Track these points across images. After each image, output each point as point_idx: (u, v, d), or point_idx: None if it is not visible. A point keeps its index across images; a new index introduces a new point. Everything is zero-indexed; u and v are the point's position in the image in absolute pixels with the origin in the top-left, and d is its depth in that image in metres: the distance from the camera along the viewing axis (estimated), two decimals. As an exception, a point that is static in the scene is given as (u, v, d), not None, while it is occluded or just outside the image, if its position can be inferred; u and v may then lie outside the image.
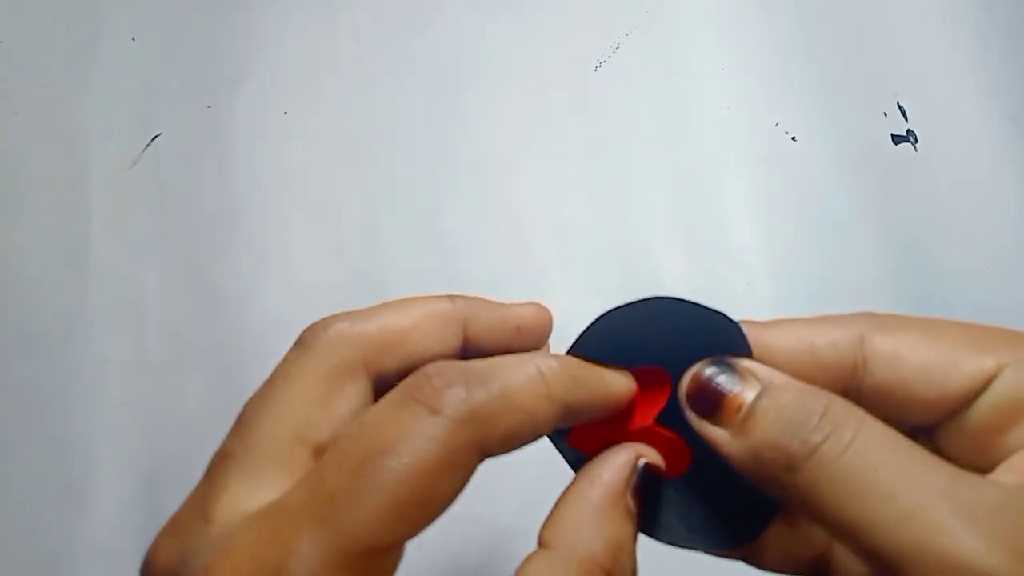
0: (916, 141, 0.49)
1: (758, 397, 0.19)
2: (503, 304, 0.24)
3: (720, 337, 0.22)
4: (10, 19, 0.51)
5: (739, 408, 0.19)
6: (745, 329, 0.22)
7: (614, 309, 0.23)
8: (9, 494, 0.43)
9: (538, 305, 0.25)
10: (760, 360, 0.21)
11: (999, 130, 0.48)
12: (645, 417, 0.22)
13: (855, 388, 0.21)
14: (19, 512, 0.43)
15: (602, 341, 0.23)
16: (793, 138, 0.49)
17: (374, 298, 0.46)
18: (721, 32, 0.51)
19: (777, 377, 0.20)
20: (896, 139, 0.49)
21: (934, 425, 0.21)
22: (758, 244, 0.47)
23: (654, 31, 0.51)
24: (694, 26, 0.51)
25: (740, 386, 0.20)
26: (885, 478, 0.17)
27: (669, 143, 0.49)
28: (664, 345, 0.22)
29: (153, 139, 0.49)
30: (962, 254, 0.47)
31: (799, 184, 0.48)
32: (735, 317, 0.23)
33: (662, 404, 0.22)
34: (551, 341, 0.26)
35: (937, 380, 0.20)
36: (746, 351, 0.21)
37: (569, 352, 0.23)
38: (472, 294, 0.24)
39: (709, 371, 0.20)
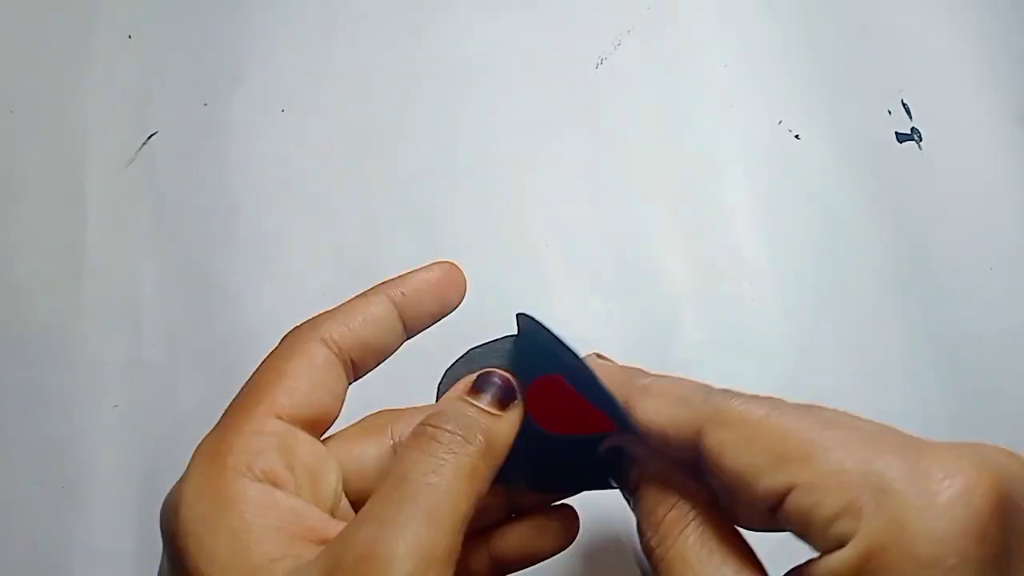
0: (920, 139, 0.48)
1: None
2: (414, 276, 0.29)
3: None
4: (5, 16, 0.51)
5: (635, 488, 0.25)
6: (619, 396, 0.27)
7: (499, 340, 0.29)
8: (5, 495, 0.43)
9: (444, 264, 0.30)
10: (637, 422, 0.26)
11: (1004, 128, 0.48)
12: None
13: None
14: (15, 513, 0.43)
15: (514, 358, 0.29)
16: (797, 136, 0.49)
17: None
18: (724, 29, 0.50)
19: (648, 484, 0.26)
20: (900, 137, 0.49)
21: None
22: (760, 243, 0.47)
23: (656, 28, 0.50)
24: (696, 23, 0.50)
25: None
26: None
27: (671, 141, 0.49)
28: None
29: (149, 137, 0.49)
30: (967, 253, 0.47)
31: (802, 182, 0.48)
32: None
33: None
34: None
35: (745, 486, 0.22)
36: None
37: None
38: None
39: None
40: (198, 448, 0.25)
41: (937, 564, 0.19)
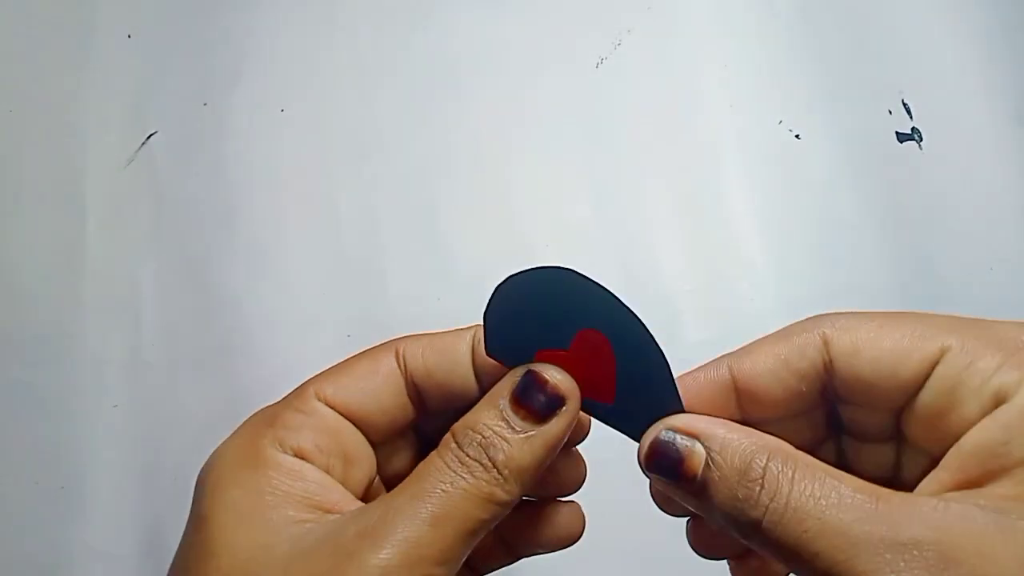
0: (921, 139, 0.48)
1: (707, 467, 0.23)
2: None
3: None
4: (4, 15, 0.51)
5: (694, 477, 0.23)
6: (727, 362, 0.26)
7: (516, 275, 0.27)
8: (4, 495, 0.43)
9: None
10: (745, 385, 0.25)
11: (1004, 128, 0.48)
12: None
13: (830, 384, 0.24)
14: (14, 513, 0.43)
15: (522, 308, 0.27)
16: (797, 136, 0.49)
17: (372, 298, 0.46)
18: (724, 29, 0.50)
19: (716, 435, 0.23)
20: (901, 137, 0.48)
21: (900, 410, 0.23)
22: (761, 242, 0.47)
23: (656, 28, 0.50)
24: (697, 23, 0.50)
25: (689, 450, 0.23)
26: (818, 527, 0.20)
27: (671, 141, 0.48)
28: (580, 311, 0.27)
29: (149, 137, 0.49)
30: (967, 252, 0.47)
31: (803, 182, 0.48)
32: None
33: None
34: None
35: (889, 370, 0.22)
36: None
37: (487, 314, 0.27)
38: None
39: (664, 437, 0.24)
40: (252, 415, 0.26)
41: None
